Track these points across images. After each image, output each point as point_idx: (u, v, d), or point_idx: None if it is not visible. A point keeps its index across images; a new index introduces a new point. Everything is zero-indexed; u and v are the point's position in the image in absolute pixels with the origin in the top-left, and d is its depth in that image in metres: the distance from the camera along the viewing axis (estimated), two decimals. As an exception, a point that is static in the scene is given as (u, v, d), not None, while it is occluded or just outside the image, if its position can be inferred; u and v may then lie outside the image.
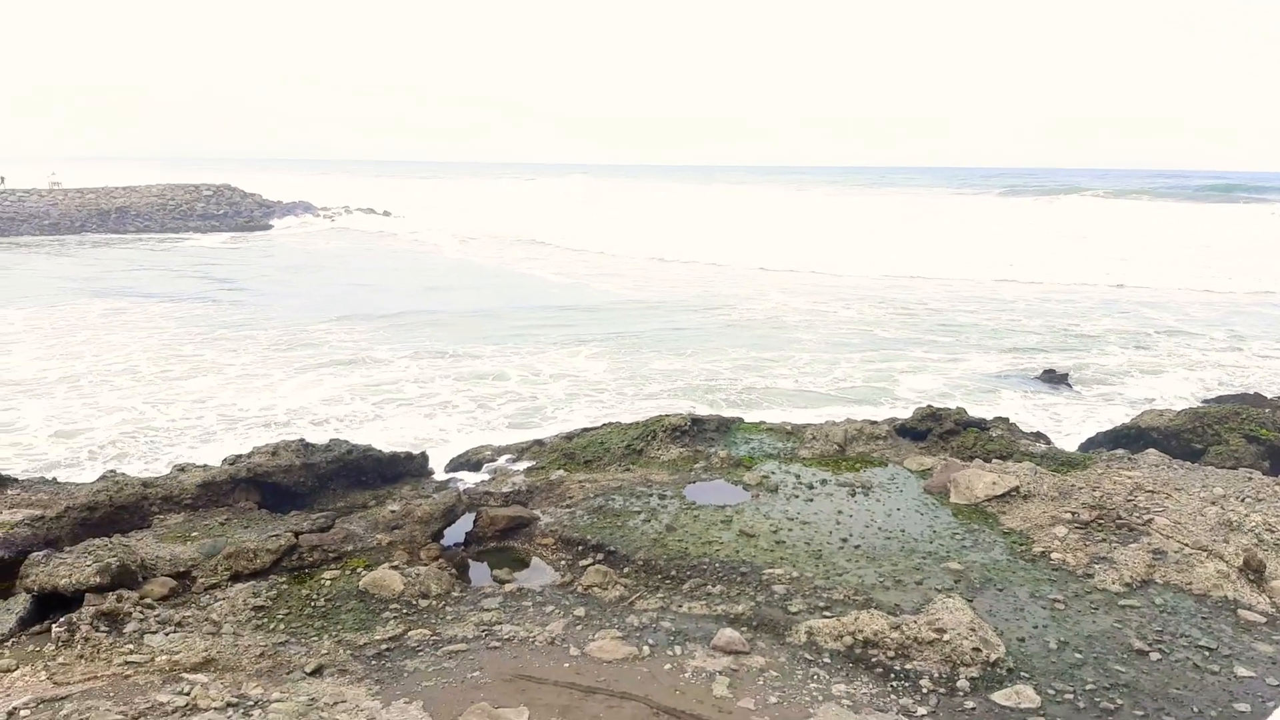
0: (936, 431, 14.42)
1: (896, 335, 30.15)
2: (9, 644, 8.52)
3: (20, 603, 8.90)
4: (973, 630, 7.92)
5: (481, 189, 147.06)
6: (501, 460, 14.51)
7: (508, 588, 9.64)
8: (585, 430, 15.45)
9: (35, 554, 9.26)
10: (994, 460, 12.85)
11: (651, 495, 11.80)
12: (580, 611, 8.88)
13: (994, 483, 11.50)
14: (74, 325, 31.72)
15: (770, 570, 9.54)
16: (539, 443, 14.99)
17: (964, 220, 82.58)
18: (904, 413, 16.27)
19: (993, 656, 7.73)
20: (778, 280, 45.00)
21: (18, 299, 37.38)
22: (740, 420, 15.29)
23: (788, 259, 51.56)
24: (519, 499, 12.13)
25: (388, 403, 21.15)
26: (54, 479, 12.59)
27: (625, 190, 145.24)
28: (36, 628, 8.65)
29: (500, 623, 8.65)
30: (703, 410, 16.74)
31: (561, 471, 13.18)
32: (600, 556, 10.21)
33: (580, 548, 10.48)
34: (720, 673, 7.63)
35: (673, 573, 9.69)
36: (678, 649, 8.06)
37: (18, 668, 7.96)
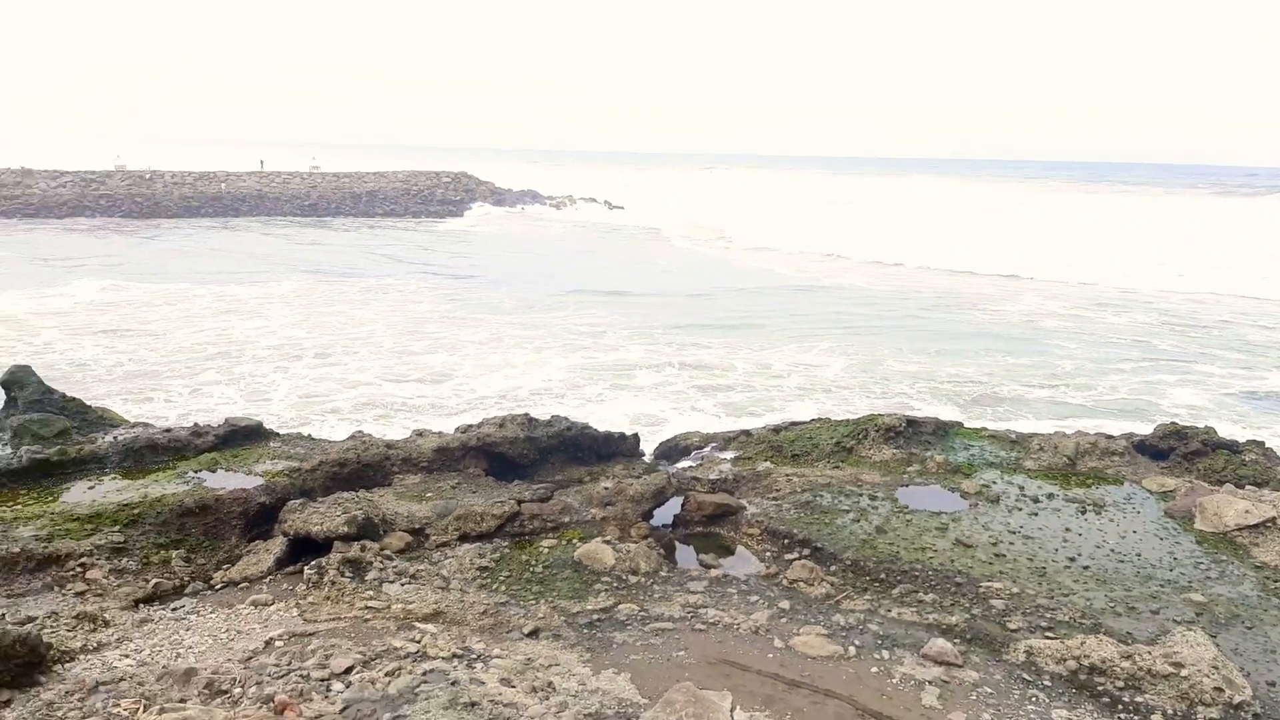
0: (1180, 451, 13.27)
1: (1177, 347, 27.86)
2: (267, 581, 9.53)
3: (278, 544, 9.93)
4: (1215, 668, 7.28)
5: (677, 180, 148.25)
6: (709, 448, 14.67)
7: (713, 573, 9.76)
8: (793, 424, 15.33)
9: (292, 501, 10.31)
10: (1247, 486, 11.68)
11: (861, 495, 11.57)
12: (785, 604, 8.87)
13: (1247, 511, 10.47)
14: (331, 299, 34.82)
15: (988, 584, 9.14)
16: (746, 433, 15.02)
17: (1214, 224, 75.24)
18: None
19: (1237, 699, 7.07)
20: (1026, 284, 42.57)
21: (285, 273, 41.43)
22: (959, 425, 14.68)
23: (1033, 263, 48.11)
24: (725, 487, 12.23)
25: (609, 384, 21.88)
26: (309, 435, 13.91)
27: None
28: (290, 568, 9.63)
29: (705, 606, 8.77)
30: (946, 413, 16.19)
31: (768, 464, 13.16)
32: (806, 552, 10.14)
33: (786, 541, 10.44)
34: (930, 682, 7.41)
35: (882, 575, 9.48)
36: (885, 653, 7.89)
37: (274, 603, 8.89)
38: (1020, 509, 11.16)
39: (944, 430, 14.18)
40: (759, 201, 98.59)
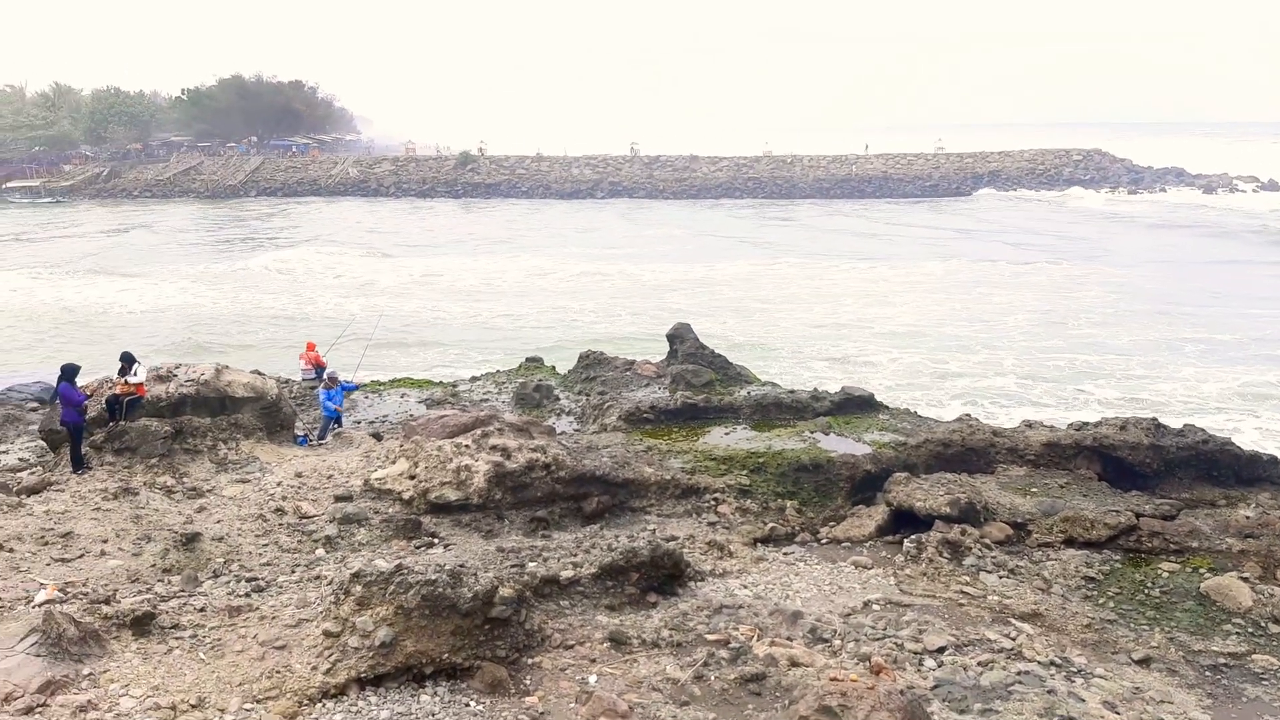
0: None
1: None
2: (867, 545, 10.03)
3: (880, 512, 10.40)
4: None
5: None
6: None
7: (1393, 646, 7.89)
8: None
9: (897, 474, 10.69)
10: None
11: None
12: None
13: None
14: (973, 283, 34.21)
15: None
16: None
17: None
18: None
19: None
20: None
21: (922, 256, 41.34)
22: None
23: None
24: None
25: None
26: (914, 412, 14.24)
27: None
28: (890, 537, 10.04)
29: (1377, 684, 7.15)
30: None
31: None
32: None
33: None
34: None
35: None
36: None
37: (873, 567, 9.36)
38: None
39: None
40: None
